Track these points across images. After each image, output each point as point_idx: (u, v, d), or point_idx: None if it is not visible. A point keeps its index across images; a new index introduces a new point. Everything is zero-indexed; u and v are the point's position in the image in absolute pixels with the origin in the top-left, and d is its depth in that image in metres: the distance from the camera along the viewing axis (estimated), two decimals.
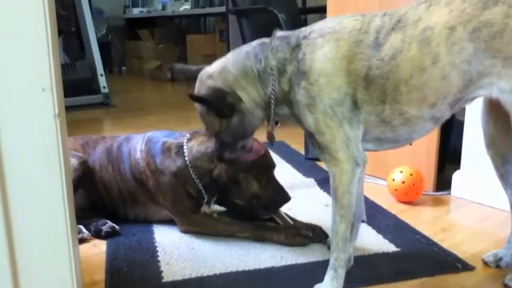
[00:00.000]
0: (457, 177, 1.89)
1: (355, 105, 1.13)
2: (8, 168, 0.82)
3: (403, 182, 1.79)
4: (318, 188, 1.99)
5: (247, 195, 1.52)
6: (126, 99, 4.67)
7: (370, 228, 1.59)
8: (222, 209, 1.60)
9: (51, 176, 0.85)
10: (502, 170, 1.30)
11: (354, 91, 1.12)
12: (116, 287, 1.28)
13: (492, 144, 1.28)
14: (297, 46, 1.17)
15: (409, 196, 1.81)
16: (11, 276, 0.86)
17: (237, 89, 1.20)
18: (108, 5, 6.83)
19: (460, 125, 1.87)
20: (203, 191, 1.55)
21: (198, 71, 1.29)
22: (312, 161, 2.36)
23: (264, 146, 1.55)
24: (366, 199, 1.78)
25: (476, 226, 1.63)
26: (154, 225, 1.64)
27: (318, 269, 1.29)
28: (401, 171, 1.81)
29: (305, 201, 1.82)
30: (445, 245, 1.47)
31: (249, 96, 1.21)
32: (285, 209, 1.58)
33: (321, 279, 1.22)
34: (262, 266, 1.36)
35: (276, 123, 1.29)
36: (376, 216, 1.69)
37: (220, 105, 1.21)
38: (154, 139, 1.63)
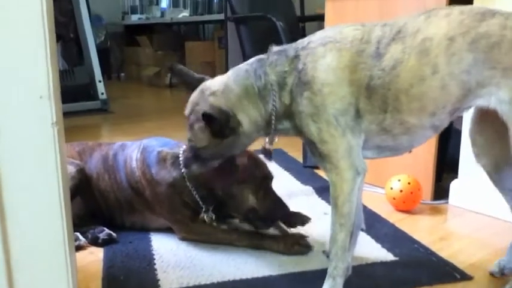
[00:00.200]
0: (455, 186, 1.89)
1: (358, 114, 1.13)
2: (5, 175, 0.82)
3: (401, 191, 1.79)
4: (316, 196, 1.99)
5: (244, 208, 1.50)
6: (125, 106, 4.67)
7: (368, 237, 1.58)
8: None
9: (49, 183, 0.84)
10: (496, 177, 1.30)
11: (356, 101, 1.12)
12: None
13: (483, 154, 1.29)
14: (296, 57, 1.17)
15: (407, 205, 1.81)
16: (6, 284, 0.85)
17: (238, 111, 1.20)
18: (107, 11, 6.84)
19: (458, 133, 1.87)
20: (200, 202, 1.53)
21: (199, 81, 1.28)
22: (310, 169, 2.35)
23: (259, 157, 1.53)
24: (364, 207, 1.77)
25: (474, 235, 1.63)
26: (152, 233, 1.63)
27: (316, 278, 1.28)
28: (399, 180, 1.81)
29: (303, 210, 1.80)
30: (443, 254, 1.46)
31: (250, 119, 1.21)
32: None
33: None
34: (260, 274, 1.35)
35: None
36: (375, 225, 1.68)
37: (222, 127, 1.20)
38: (149, 148, 1.61)
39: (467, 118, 1.75)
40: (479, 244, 1.56)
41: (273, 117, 1.20)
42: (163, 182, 1.54)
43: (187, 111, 1.27)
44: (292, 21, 3.46)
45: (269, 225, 1.53)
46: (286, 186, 2.09)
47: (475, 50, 1.06)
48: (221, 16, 4.51)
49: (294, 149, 2.65)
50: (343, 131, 1.13)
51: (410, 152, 1.26)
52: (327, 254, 1.42)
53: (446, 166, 2.04)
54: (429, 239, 1.58)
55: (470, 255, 1.47)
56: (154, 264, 1.42)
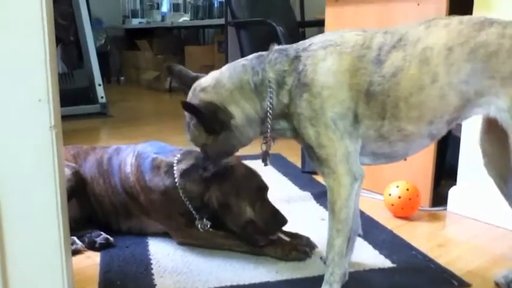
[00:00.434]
0: (453, 192, 1.89)
1: (356, 119, 1.13)
2: (3, 177, 0.82)
3: (399, 197, 1.79)
4: (314, 202, 1.99)
5: (242, 221, 1.47)
6: (124, 109, 4.67)
7: (366, 243, 1.58)
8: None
9: (46, 186, 0.84)
10: (506, 190, 1.29)
11: (355, 105, 1.12)
12: None
13: (491, 165, 1.28)
14: (296, 58, 1.16)
15: (405, 211, 1.80)
16: (2, 286, 0.85)
17: (230, 104, 1.19)
18: (108, 15, 6.86)
19: (456, 140, 1.87)
20: (194, 212, 1.52)
21: (194, 79, 1.27)
22: (308, 174, 2.35)
23: (252, 168, 1.52)
24: (362, 214, 1.77)
25: (472, 242, 1.62)
26: (149, 238, 1.62)
27: (314, 284, 1.27)
28: (397, 186, 1.81)
29: (301, 215, 1.81)
30: (441, 261, 1.46)
31: (242, 112, 1.19)
32: None
33: None
34: (257, 280, 1.35)
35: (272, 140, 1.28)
36: (372, 231, 1.68)
37: (211, 121, 1.19)
38: (144, 154, 1.60)
39: (466, 125, 1.76)
40: (477, 251, 1.55)
41: (269, 115, 1.18)
42: (156, 189, 1.53)
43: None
44: (292, 27, 3.47)
45: (268, 238, 1.48)
46: (284, 191, 2.09)
47: (474, 60, 1.06)
48: (221, 21, 4.52)
49: (293, 153, 2.65)
50: (341, 136, 1.13)
51: (405, 160, 1.26)
52: (324, 260, 1.41)
53: (444, 173, 2.04)
54: (427, 245, 1.58)
55: (468, 262, 1.46)
56: (151, 269, 1.41)
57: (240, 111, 1.19)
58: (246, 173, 1.49)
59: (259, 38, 3.27)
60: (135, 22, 6.99)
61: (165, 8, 6.75)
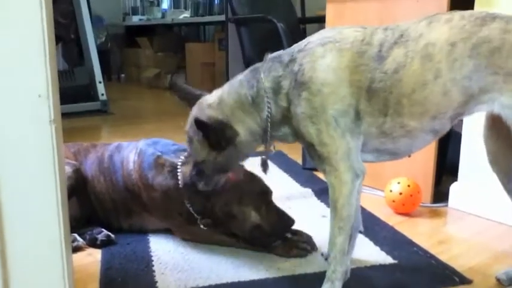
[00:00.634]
0: (454, 189, 1.88)
1: (357, 116, 1.12)
2: (2, 173, 0.81)
3: (400, 193, 1.79)
4: (315, 199, 1.98)
5: (247, 227, 1.46)
6: (124, 107, 4.67)
7: (367, 240, 1.58)
8: None
9: (46, 182, 0.84)
10: (509, 186, 1.28)
11: (356, 102, 1.11)
12: None
13: (495, 161, 1.27)
14: (291, 61, 1.16)
15: (406, 207, 1.80)
16: (2, 285, 0.84)
17: (234, 122, 1.20)
18: (108, 12, 6.84)
19: (458, 136, 1.87)
20: (195, 215, 1.51)
21: (198, 96, 1.28)
22: (309, 171, 2.35)
23: (254, 173, 1.51)
24: (363, 210, 1.78)
25: (474, 239, 1.62)
26: (150, 235, 1.62)
27: (315, 281, 1.27)
28: (398, 182, 1.80)
29: (302, 212, 1.80)
30: (442, 257, 1.46)
31: (246, 128, 1.21)
32: None
33: None
34: (258, 277, 1.35)
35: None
36: (374, 227, 1.68)
37: (219, 138, 1.20)
38: (147, 151, 1.59)
39: (468, 121, 1.76)
40: (478, 248, 1.55)
41: (269, 124, 1.19)
42: (159, 187, 1.53)
43: (187, 126, 1.28)
44: (293, 23, 3.45)
45: (276, 240, 1.48)
46: (285, 188, 2.09)
47: (477, 56, 1.05)
48: (222, 17, 4.51)
49: (294, 151, 2.65)
50: (342, 133, 1.12)
51: (409, 156, 1.25)
52: (325, 257, 1.41)
53: (446, 169, 2.03)
54: (428, 242, 1.57)
55: (469, 259, 1.46)
56: (152, 266, 1.41)
57: (244, 128, 1.21)
58: (247, 179, 1.48)
59: (260, 35, 3.26)
60: (136, 19, 6.98)
61: (165, 4, 6.73)
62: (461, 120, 1.68)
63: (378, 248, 1.52)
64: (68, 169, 1.59)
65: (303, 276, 1.36)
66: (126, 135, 3.28)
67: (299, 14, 3.74)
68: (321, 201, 1.94)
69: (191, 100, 1.29)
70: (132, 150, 1.63)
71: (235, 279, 1.33)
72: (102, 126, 3.90)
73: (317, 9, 3.75)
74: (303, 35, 3.51)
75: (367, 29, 1.16)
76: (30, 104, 0.80)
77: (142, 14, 7.02)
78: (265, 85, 1.17)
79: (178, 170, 1.52)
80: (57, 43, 4.43)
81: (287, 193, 2.00)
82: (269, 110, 1.18)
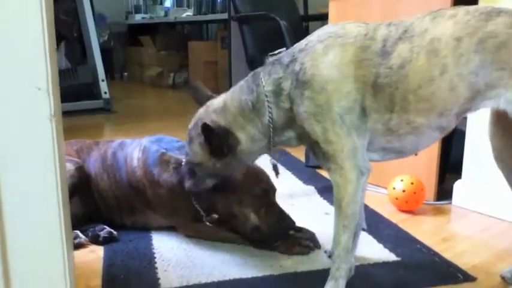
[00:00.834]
0: (458, 186, 1.87)
1: (363, 113, 1.11)
2: (1, 168, 0.80)
3: (403, 191, 1.78)
4: (318, 196, 1.98)
5: (248, 227, 1.46)
6: (127, 105, 4.67)
7: (370, 237, 1.57)
8: None
9: (46, 178, 0.83)
10: None
11: (362, 98, 1.10)
12: None
13: (500, 158, 1.26)
14: (291, 61, 1.15)
15: (409, 205, 1.79)
16: (3, 281, 0.84)
17: (236, 129, 1.20)
18: (111, 10, 6.84)
19: (461, 134, 1.86)
20: (201, 212, 1.51)
21: (208, 98, 1.29)
22: (312, 169, 2.34)
23: (260, 171, 1.50)
24: (366, 208, 1.77)
25: (478, 236, 1.61)
26: (152, 232, 1.62)
27: (318, 278, 1.27)
28: (402, 180, 1.80)
29: (305, 209, 1.80)
30: (446, 255, 1.45)
31: (247, 135, 1.20)
32: None
33: None
34: (261, 274, 1.34)
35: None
36: (377, 225, 1.67)
37: (221, 145, 1.20)
38: (151, 148, 1.59)
39: (472, 119, 1.75)
40: (482, 245, 1.54)
41: (271, 129, 1.18)
42: (165, 184, 1.53)
43: (190, 125, 1.28)
44: (296, 21, 3.44)
45: (277, 241, 1.47)
46: (288, 186, 2.08)
47: (482, 51, 1.04)
48: (225, 15, 4.51)
49: (297, 149, 2.63)
50: (348, 131, 1.11)
51: (416, 154, 1.24)
52: (328, 254, 1.41)
53: (449, 166, 2.02)
54: (432, 239, 1.56)
55: (473, 257, 1.45)
56: (155, 263, 1.41)
57: (245, 135, 1.20)
58: (249, 179, 1.47)
59: (263, 33, 3.25)
60: (138, 18, 6.97)
61: (168, 3, 6.72)
62: (465, 118, 1.67)
63: (381, 246, 1.51)
64: (71, 166, 1.59)
65: (305, 273, 1.35)
66: (129, 133, 3.28)
67: (302, 12, 3.73)
68: (324, 198, 1.94)
69: (201, 101, 1.30)
70: (136, 148, 1.62)
71: (238, 276, 1.33)
72: (105, 124, 3.90)
73: (320, 6, 3.74)
74: (305, 33, 3.49)
75: (369, 25, 1.15)
76: (29, 97, 0.79)
77: (145, 13, 7.02)
78: (266, 89, 1.17)
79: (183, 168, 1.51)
80: (60, 41, 4.44)
81: (290, 191, 2.00)
82: (270, 114, 1.17)
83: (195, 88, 1.35)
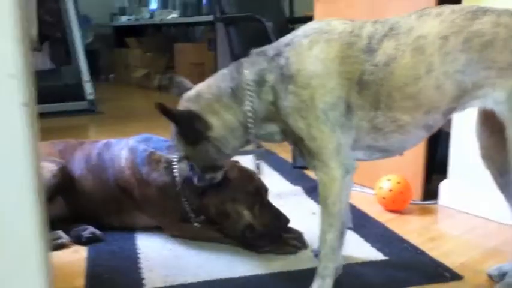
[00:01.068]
0: (444, 186, 1.88)
1: (348, 109, 1.11)
2: None
3: (390, 190, 1.78)
4: (305, 196, 1.97)
5: (241, 226, 1.44)
6: (113, 107, 4.62)
7: (357, 236, 1.56)
8: None
9: (17, 172, 0.77)
10: (501, 181, 1.26)
11: (347, 95, 1.10)
12: None
13: (488, 156, 1.26)
14: (276, 55, 1.14)
15: (396, 204, 1.79)
16: None
17: (208, 114, 1.17)
18: (96, 12, 6.79)
19: (447, 136, 1.87)
20: (190, 214, 1.49)
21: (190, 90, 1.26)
22: (299, 170, 2.33)
23: (251, 171, 1.49)
24: (354, 208, 1.77)
25: (464, 236, 1.62)
26: (138, 232, 1.60)
27: (305, 277, 1.26)
28: (389, 180, 1.80)
29: (292, 209, 1.78)
30: (433, 254, 1.45)
31: (223, 123, 1.18)
32: None
33: None
34: (248, 273, 1.33)
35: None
36: (364, 225, 1.67)
37: (187, 129, 1.18)
38: (139, 148, 1.57)
39: (457, 119, 1.76)
40: (469, 244, 1.55)
41: (251, 119, 1.16)
42: (154, 183, 1.51)
43: None
44: (282, 23, 3.44)
45: (271, 243, 1.44)
46: (276, 186, 2.06)
47: (469, 50, 1.04)
48: (211, 17, 4.49)
49: (283, 149, 2.63)
50: (332, 127, 1.10)
51: (401, 154, 1.24)
52: (315, 253, 1.40)
53: (436, 168, 2.03)
54: (419, 239, 1.57)
55: (460, 256, 1.45)
56: (140, 263, 1.38)
57: (219, 122, 1.18)
58: (242, 177, 1.46)
59: (249, 35, 3.24)
60: (124, 19, 6.92)
61: (153, 5, 6.69)
62: (450, 120, 1.67)
63: (368, 245, 1.51)
64: (54, 167, 1.56)
65: (292, 273, 1.34)
66: (114, 134, 3.23)
67: (288, 14, 3.74)
68: (311, 198, 1.93)
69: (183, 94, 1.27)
70: (123, 148, 1.60)
71: (224, 276, 1.31)
72: (89, 125, 3.85)
73: (305, 9, 3.75)
74: None
75: (355, 22, 1.14)
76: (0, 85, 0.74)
77: (131, 14, 6.97)
78: (248, 78, 1.15)
79: (175, 166, 1.49)
80: (43, 41, 4.38)
81: (277, 191, 1.98)
82: (251, 104, 1.15)
83: (178, 83, 1.33)
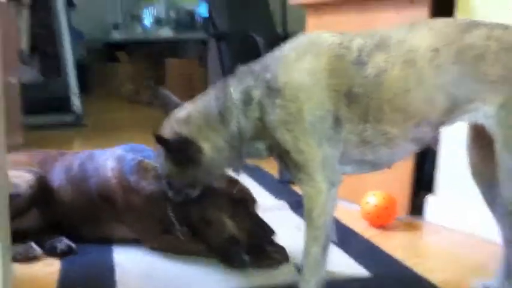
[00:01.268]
0: (430, 202, 1.86)
1: (337, 123, 1.09)
2: None
3: (375, 206, 1.75)
4: (290, 211, 1.94)
5: (223, 237, 1.39)
6: (101, 120, 4.59)
7: (342, 252, 1.53)
8: None
9: None
10: (489, 197, 1.23)
11: (335, 107, 1.08)
12: None
13: (477, 172, 1.23)
14: (263, 70, 1.13)
15: (381, 220, 1.77)
16: None
17: (200, 139, 1.16)
18: (89, 28, 6.80)
19: (434, 153, 1.85)
20: (175, 223, 1.45)
21: (176, 107, 1.24)
22: (284, 184, 2.30)
23: (238, 180, 1.46)
24: (338, 223, 1.73)
25: (449, 251, 1.60)
26: (114, 245, 1.55)
27: None
28: (374, 195, 1.77)
29: (277, 224, 1.74)
30: (417, 269, 1.42)
31: (212, 145, 1.16)
32: None
33: None
34: (228, 287, 1.29)
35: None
36: (349, 240, 1.63)
37: (180, 155, 1.16)
38: (126, 157, 1.54)
39: (445, 134, 1.74)
40: (454, 260, 1.52)
41: (239, 139, 1.15)
42: (141, 192, 1.48)
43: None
44: (274, 38, 3.45)
45: (255, 255, 1.39)
46: (260, 200, 2.02)
47: (460, 63, 1.04)
48: (203, 34, 4.52)
49: (269, 164, 2.60)
50: (319, 140, 1.08)
51: (389, 168, 1.21)
52: (297, 268, 1.36)
53: (422, 183, 2.01)
54: (404, 254, 1.53)
55: (444, 272, 1.43)
56: (115, 276, 1.34)
57: (210, 145, 1.16)
58: (228, 186, 1.43)
59: (240, 50, 3.25)
60: (116, 35, 6.94)
61: (146, 21, 6.72)
62: (437, 138, 1.66)
63: (352, 260, 1.48)
64: (31, 177, 1.53)
65: (274, 286, 1.30)
66: (99, 146, 3.19)
67: (281, 29, 3.75)
68: (296, 213, 1.89)
69: (169, 110, 1.25)
70: (109, 158, 1.57)
71: None
72: (75, 137, 3.81)
73: (298, 24, 3.77)
74: None
75: (345, 35, 1.14)
76: None
77: (123, 30, 6.99)
78: (234, 97, 1.13)
79: None
80: (34, 53, 4.38)
81: (262, 205, 1.94)
82: (238, 124, 1.14)
83: (163, 96, 1.31)
